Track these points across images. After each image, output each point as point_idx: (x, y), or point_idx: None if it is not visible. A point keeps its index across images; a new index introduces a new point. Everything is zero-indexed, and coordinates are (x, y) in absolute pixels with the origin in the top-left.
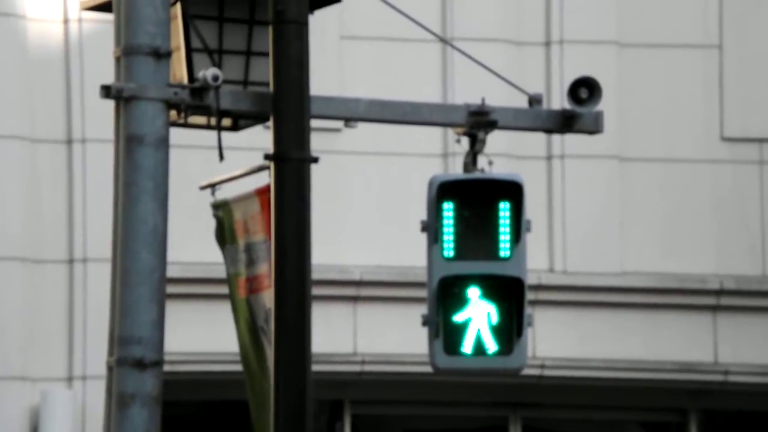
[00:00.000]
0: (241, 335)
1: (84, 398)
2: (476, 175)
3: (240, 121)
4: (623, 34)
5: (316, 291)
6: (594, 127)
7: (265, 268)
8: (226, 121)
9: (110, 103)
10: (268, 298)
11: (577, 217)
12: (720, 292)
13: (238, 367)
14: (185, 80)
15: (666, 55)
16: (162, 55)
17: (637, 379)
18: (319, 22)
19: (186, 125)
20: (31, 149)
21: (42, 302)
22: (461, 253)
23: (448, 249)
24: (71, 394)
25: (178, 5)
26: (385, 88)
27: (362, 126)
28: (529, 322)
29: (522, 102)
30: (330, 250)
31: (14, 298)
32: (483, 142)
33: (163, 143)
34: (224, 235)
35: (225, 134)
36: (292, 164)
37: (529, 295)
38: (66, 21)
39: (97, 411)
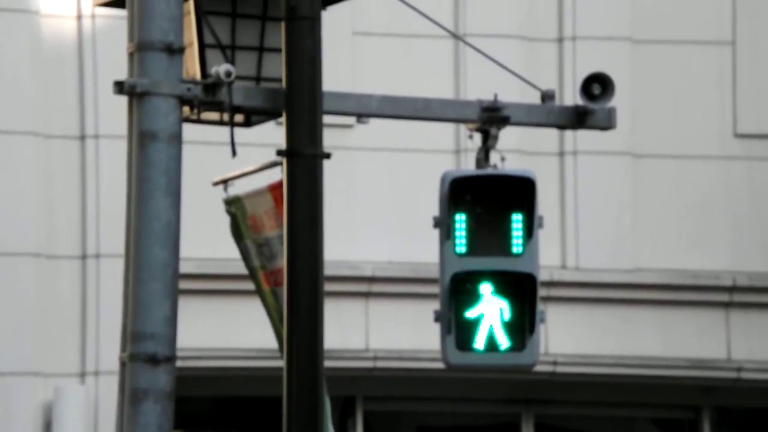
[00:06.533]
0: (275, 323)
1: (97, 394)
2: (489, 171)
3: (252, 117)
4: (636, 30)
5: (328, 287)
6: (607, 123)
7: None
8: (239, 117)
9: (123, 99)
10: None
11: (590, 213)
12: (733, 289)
13: (251, 363)
14: (198, 76)
15: (679, 52)
16: (175, 50)
17: (650, 375)
18: (331, 18)
19: (199, 121)
20: (44, 145)
21: (55, 298)
22: (473, 249)
23: (461, 245)
24: (84, 389)
25: (191, 1)
26: (398, 84)
27: (374, 122)
28: (541, 319)
29: (535, 98)
30: (342, 246)
31: (27, 293)
32: (495, 138)
33: (176, 139)
34: (240, 231)
35: (237, 130)
36: (304, 160)
37: (542, 292)
38: (79, 17)
39: (110, 406)
